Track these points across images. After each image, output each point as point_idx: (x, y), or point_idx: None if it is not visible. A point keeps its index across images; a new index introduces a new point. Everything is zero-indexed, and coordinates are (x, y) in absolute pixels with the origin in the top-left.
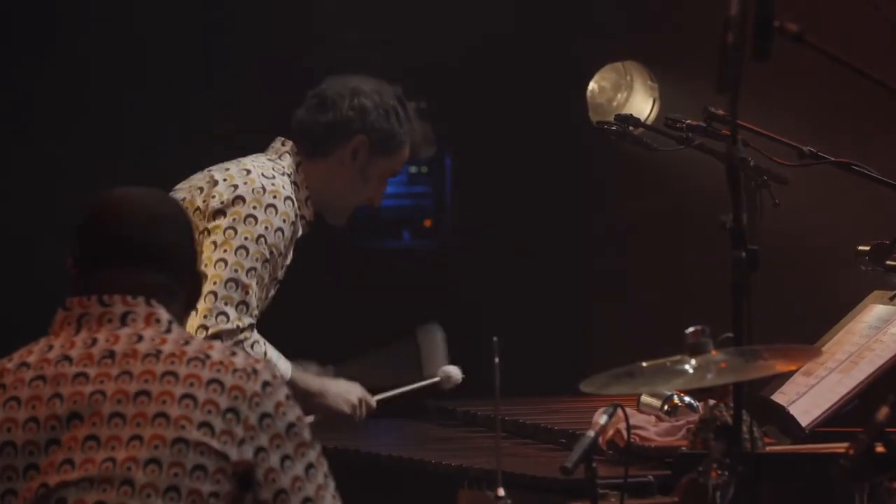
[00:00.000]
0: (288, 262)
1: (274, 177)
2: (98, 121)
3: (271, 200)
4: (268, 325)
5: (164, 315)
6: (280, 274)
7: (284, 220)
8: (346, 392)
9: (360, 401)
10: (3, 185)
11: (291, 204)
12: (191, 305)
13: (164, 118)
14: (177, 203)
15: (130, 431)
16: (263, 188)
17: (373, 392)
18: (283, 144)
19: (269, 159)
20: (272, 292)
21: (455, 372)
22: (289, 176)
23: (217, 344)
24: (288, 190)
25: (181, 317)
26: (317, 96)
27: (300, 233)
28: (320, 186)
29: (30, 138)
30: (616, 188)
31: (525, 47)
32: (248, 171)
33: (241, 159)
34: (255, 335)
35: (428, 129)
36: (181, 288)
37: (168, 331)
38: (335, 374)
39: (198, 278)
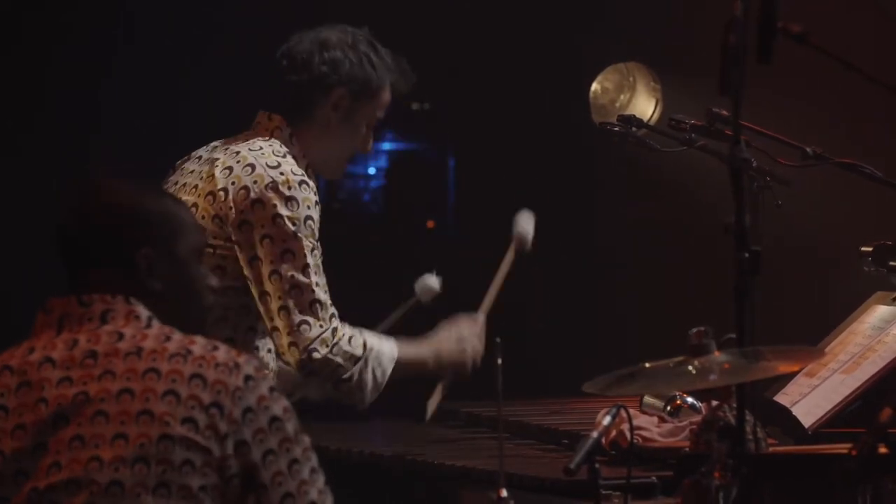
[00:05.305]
0: None
1: (279, 164)
2: (105, 121)
3: (288, 193)
4: None
5: (143, 312)
6: None
7: (309, 206)
8: (455, 343)
9: (466, 339)
10: (6, 187)
11: (307, 187)
12: (181, 301)
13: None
14: (151, 197)
15: (114, 429)
16: (275, 182)
17: None
18: (269, 119)
19: (266, 142)
20: None
21: (431, 281)
22: (288, 153)
23: (199, 339)
24: (298, 172)
25: (171, 314)
26: (285, 57)
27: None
28: (315, 148)
29: (33, 137)
30: (619, 189)
31: (528, 48)
32: (253, 168)
33: (237, 149)
34: (346, 328)
35: (402, 63)
36: (158, 284)
37: (148, 326)
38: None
39: (183, 277)
